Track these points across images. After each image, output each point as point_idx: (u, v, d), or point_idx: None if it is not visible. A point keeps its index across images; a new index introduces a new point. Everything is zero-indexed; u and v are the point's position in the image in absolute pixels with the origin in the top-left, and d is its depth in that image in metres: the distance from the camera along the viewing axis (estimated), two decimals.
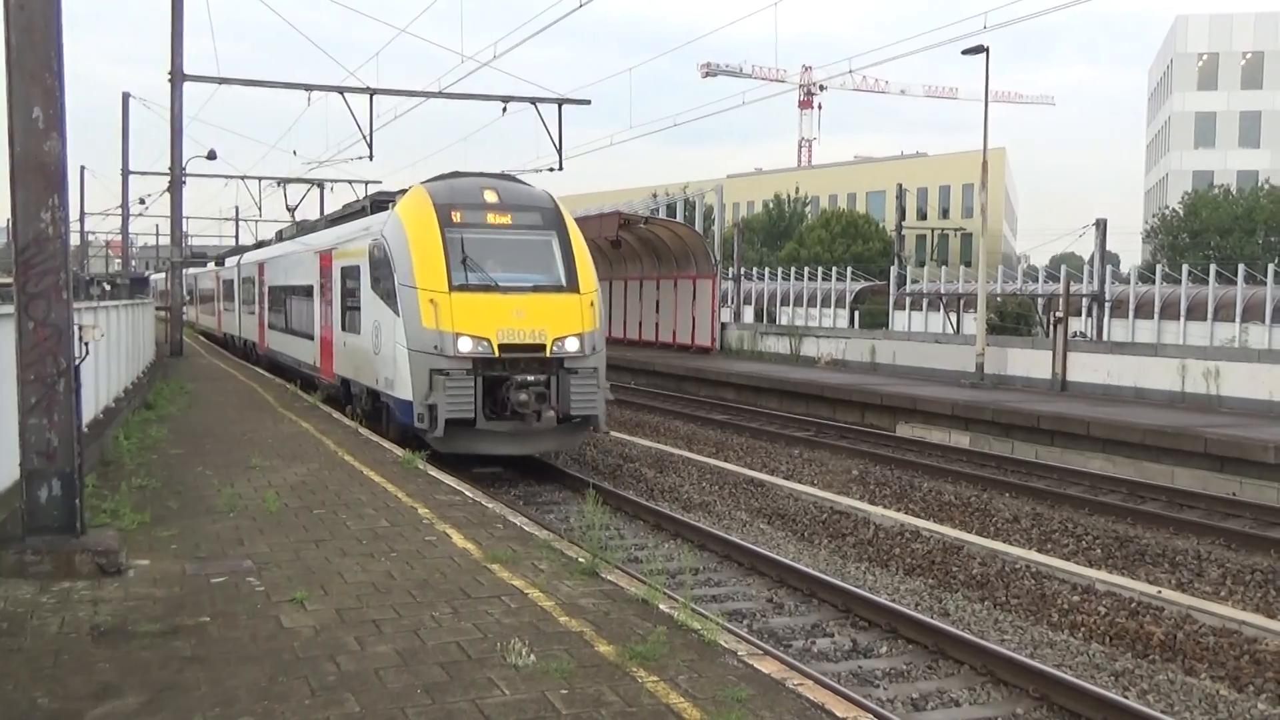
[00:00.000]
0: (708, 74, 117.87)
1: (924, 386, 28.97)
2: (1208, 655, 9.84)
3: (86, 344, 11.12)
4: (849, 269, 64.96)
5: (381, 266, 17.27)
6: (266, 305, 31.89)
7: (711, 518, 15.31)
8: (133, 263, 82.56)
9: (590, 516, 9.51)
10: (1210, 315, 45.12)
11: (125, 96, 45.84)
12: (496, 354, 15.89)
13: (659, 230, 42.09)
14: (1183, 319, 46.30)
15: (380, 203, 19.84)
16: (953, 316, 46.31)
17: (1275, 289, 43.98)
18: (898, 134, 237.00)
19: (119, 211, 54.85)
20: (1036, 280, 55.78)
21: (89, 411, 13.90)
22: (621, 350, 40.48)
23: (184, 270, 57.67)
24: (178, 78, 32.22)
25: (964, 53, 30.53)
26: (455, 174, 18.34)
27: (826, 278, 64.23)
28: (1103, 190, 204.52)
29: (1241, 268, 46.08)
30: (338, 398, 21.63)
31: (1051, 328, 31.14)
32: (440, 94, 32.82)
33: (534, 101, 32.12)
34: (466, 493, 12.66)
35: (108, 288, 52.14)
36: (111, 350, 17.52)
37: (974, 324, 34.23)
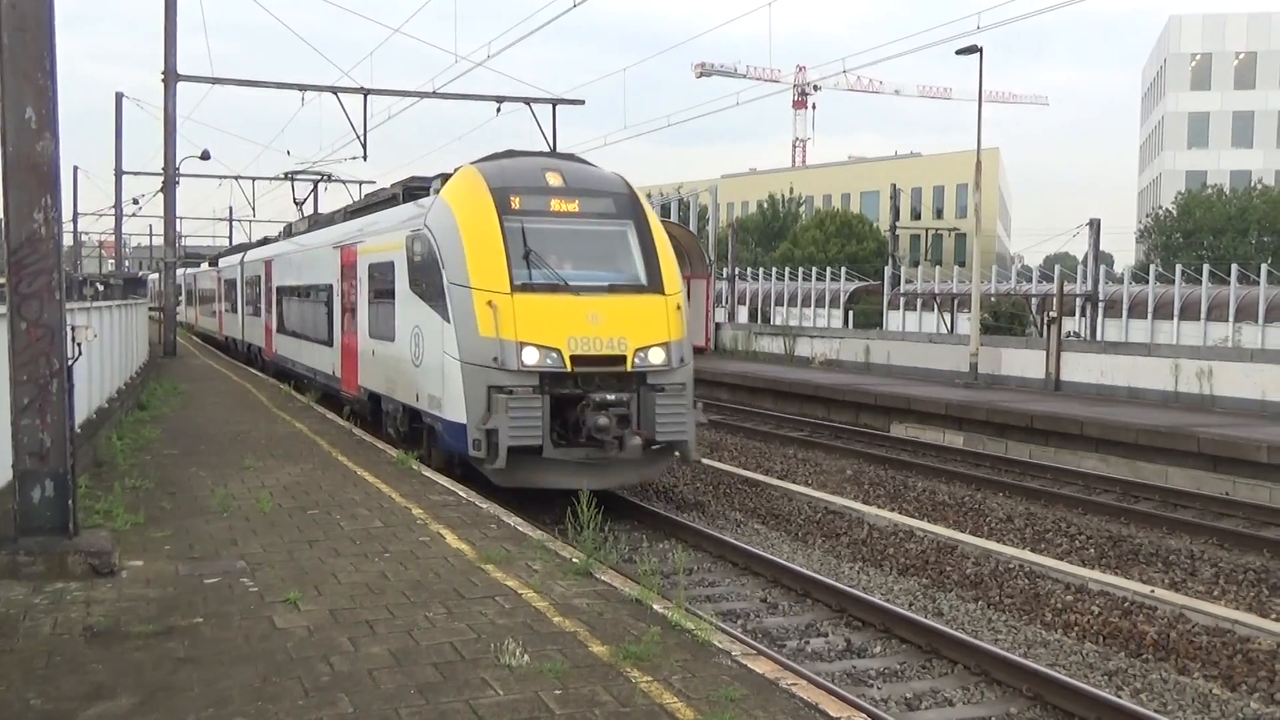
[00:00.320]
0: (702, 74, 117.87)
1: (918, 386, 29.00)
2: (1201, 655, 9.86)
3: (79, 344, 11.09)
4: (843, 269, 64.96)
5: (424, 262, 14.68)
6: (274, 307, 29.24)
7: (706, 518, 15.31)
8: (126, 263, 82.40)
9: (584, 517, 9.50)
10: (1203, 315, 45.18)
11: (119, 96, 45.75)
12: (568, 368, 13.37)
13: None
14: (1176, 319, 46.35)
15: (415, 189, 17.25)
16: (947, 317, 46.36)
17: (1269, 289, 44.06)
18: (892, 134, 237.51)
19: (112, 212, 54.71)
20: (1030, 280, 55.86)
21: (82, 412, 13.87)
22: None
23: (183, 270, 57.64)
24: (171, 78, 32.17)
25: (958, 53, 30.58)
26: (509, 153, 15.83)
27: (821, 278, 64.23)
28: (1096, 190, 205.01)
29: (1235, 268, 46.15)
30: (363, 414, 19.06)
31: (1045, 328, 31.18)
32: (434, 94, 32.82)
33: (528, 102, 32.13)
34: (460, 493, 12.65)
35: (101, 288, 52.16)
36: (105, 351, 17.48)
37: (968, 324, 34.26)
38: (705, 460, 19.59)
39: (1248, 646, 9.83)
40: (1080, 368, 28.30)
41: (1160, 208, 73.02)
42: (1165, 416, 21.96)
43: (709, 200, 52.52)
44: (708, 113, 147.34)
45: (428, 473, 14.00)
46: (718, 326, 43.95)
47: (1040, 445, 22.17)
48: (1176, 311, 46.59)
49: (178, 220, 36.67)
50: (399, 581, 8.72)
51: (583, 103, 33.22)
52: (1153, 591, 11.35)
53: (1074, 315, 43.10)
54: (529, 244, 13.98)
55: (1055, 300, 31.52)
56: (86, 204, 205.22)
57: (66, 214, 63.79)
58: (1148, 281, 49.96)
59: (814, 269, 66.39)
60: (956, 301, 46.19)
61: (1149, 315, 47.62)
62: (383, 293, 17.21)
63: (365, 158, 34.07)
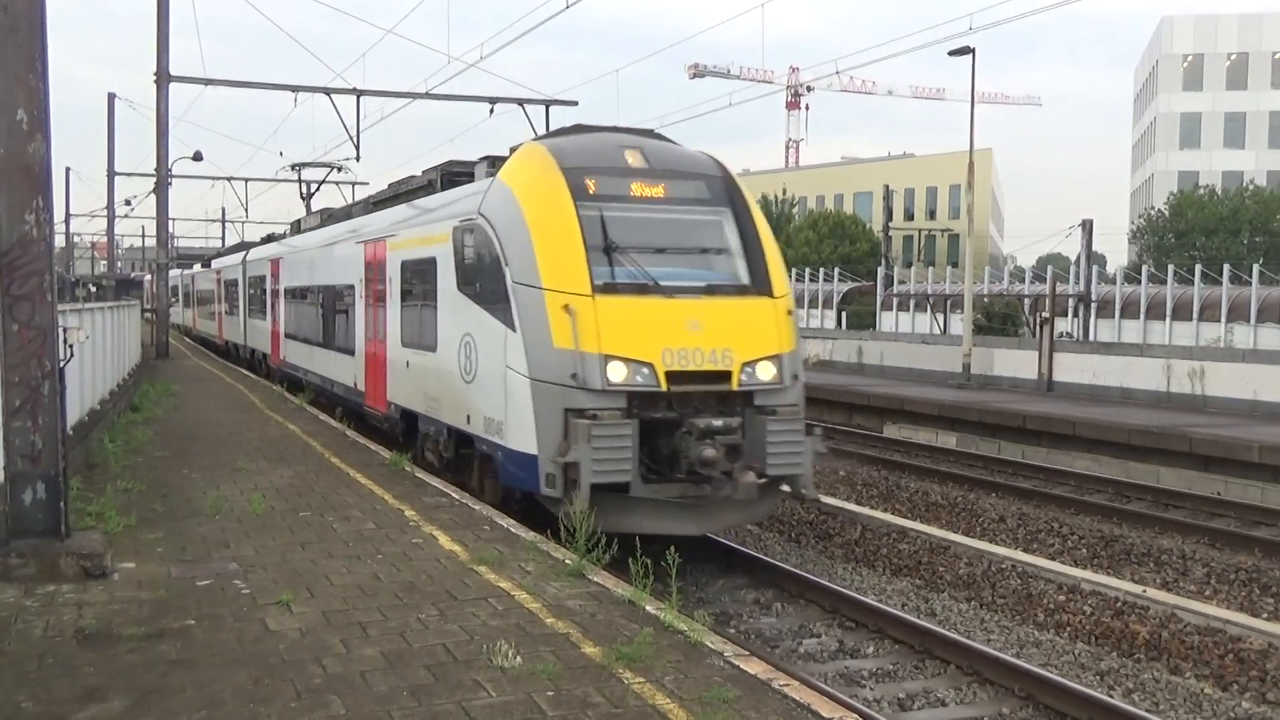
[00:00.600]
0: (695, 75, 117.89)
1: (911, 387, 29.05)
2: (1192, 654, 9.88)
3: (71, 346, 11.09)
4: (836, 270, 65.05)
5: (479, 258, 12.57)
6: (283, 310, 26.77)
7: None
8: (119, 264, 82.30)
9: (576, 519, 9.50)
10: (1195, 315, 45.27)
11: (111, 98, 45.68)
12: (663, 386, 11.19)
13: None
14: (1168, 319, 46.46)
15: (456, 175, 15.27)
16: (939, 317, 46.41)
17: (1260, 289, 44.18)
18: (885, 135, 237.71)
19: (104, 213, 54.63)
20: (1023, 281, 55.93)
21: (74, 414, 13.85)
22: None
23: (179, 270, 57.43)
24: (163, 79, 32.11)
25: (950, 54, 30.66)
26: (578, 128, 13.67)
27: (814, 278, 64.29)
28: (1089, 191, 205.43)
29: (1226, 268, 46.27)
30: (393, 434, 16.82)
31: (1038, 328, 31.25)
32: (427, 95, 32.77)
33: (521, 103, 32.09)
34: (453, 494, 12.64)
35: (93, 289, 52.05)
36: (97, 352, 17.45)
37: (961, 324, 34.31)
38: None
39: (1239, 646, 9.86)
40: (1073, 368, 28.36)
41: (1152, 208, 73.18)
42: (1157, 417, 22.01)
43: None
44: (701, 114, 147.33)
45: (420, 474, 13.98)
46: None
47: (1033, 446, 22.21)
48: (1169, 312, 46.70)
49: (170, 221, 36.62)
50: (391, 583, 8.72)
51: (576, 104, 33.20)
52: (1144, 591, 11.38)
53: (1066, 316, 43.20)
54: (611, 236, 11.78)
55: (1048, 301, 31.59)
56: (79, 205, 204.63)
57: (58, 215, 63.71)
58: (1140, 282, 50.06)
59: (807, 270, 66.45)
60: (949, 302, 46.24)
61: (1141, 316, 47.72)
62: (420, 294, 14.97)
63: (358, 158, 33.99)
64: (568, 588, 8.63)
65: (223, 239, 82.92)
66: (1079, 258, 46.01)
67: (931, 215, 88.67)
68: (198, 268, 53.87)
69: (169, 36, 32.44)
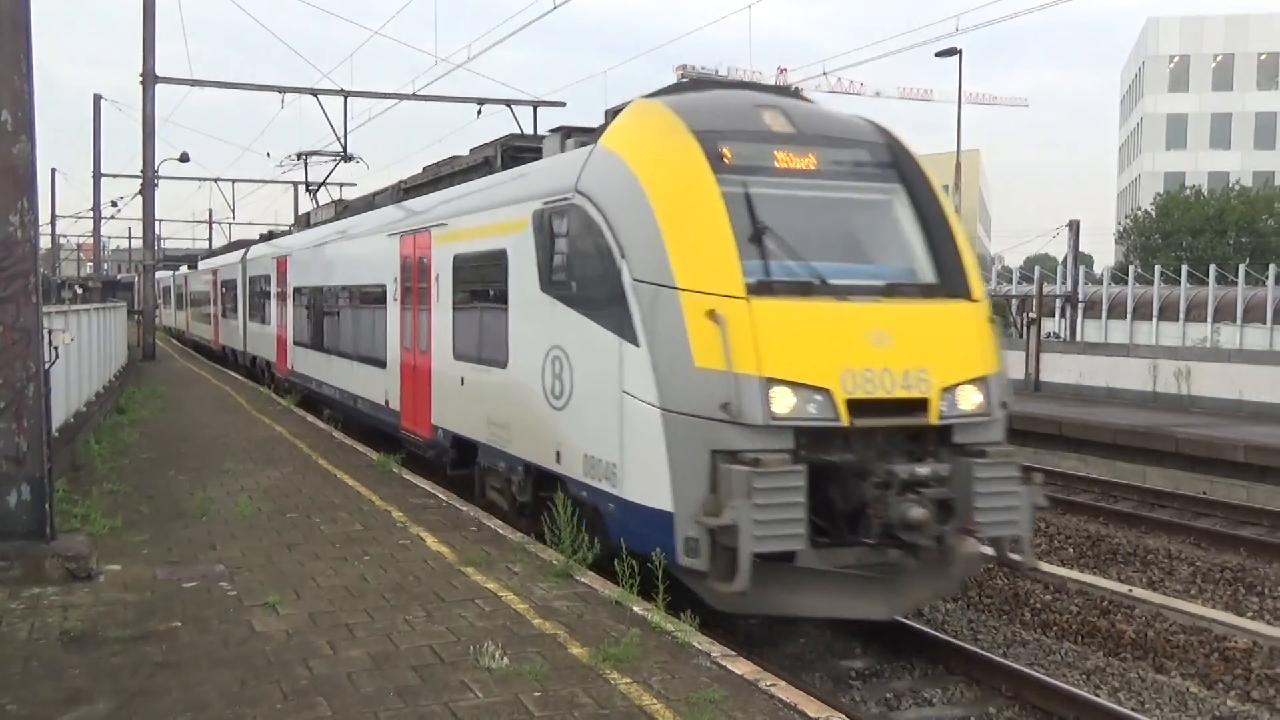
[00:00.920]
0: (683, 76, 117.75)
1: None
2: (1178, 653, 9.92)
3: (56, 348, 11.06)
4: None
5: (576, 249, 9.93)
6: (291, 313, 23.95)
7: None
8: (105, 266, 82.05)
9: (560, 519, 9.49)
10: (1182, 315, 45.51)
11: (97, 98, 45.60)
12: (844, 419, 8.43)
13: None
14: (1155, 319, 46.69)
15: (520, 150, 13.04)
16: None
17: (1246, 289, 44.41)
18: None
19: (90, 214, 54.48)
20: (1010, 281, 56.14)
21: (59, 416, 13.80)
22: None
23: (171, 271, 57.16)
24: (149, 79, 32.04)
25: (937, 55, 30.81)
26: (695, 83, 11.03)
27: None
28: (1076, 192, 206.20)
29: (1213, 268, 46.54)
30: (438, 464, 14.10)
31: (1025, 328, 31.34)
32: (414, 96, 32.76)
33: (509, 104, 32.10)
34: (440, 496, 12.63)
35: (79, 291, 51.92)
36: (83, 354, 17.39)
37: None
38: None
39: (1224, 645, 9.89)
40: (1060, 368, 28.46)
41: (1139, 209, 73.52)
42: (1144, 417, 22.10)
43: None
44: None
45: (408, 475, 13.97)
46: None
47: (1018, 445, 22.25)
48: (1155, 312, 46.94)
49: (157, 223, 36.50)
50: (378, 584, 8.71)
51: (564, 105, 33.23)
52: (1130, 591, 11.41)
53: (1054, 316, 43.35)
54: (761, 219, 9.07)
55: (1035, 301, 31.68)
56: (64, 206, 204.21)
57: (44, 217, 63.46)
58: (1127, 282, 50.30)
59: None
60: None
61: (1128, 316, 47.97)
62: (482, 296, 12.32)
63: (346, 159, 33.93)
64: (555, 588, 8.63)
65: (209, 240, 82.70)
66: (1066, 258, 46.16)
67: None
68: (185, 269, 53.53)
69: (155, 37, 32.36)
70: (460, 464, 13.22)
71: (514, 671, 6.65)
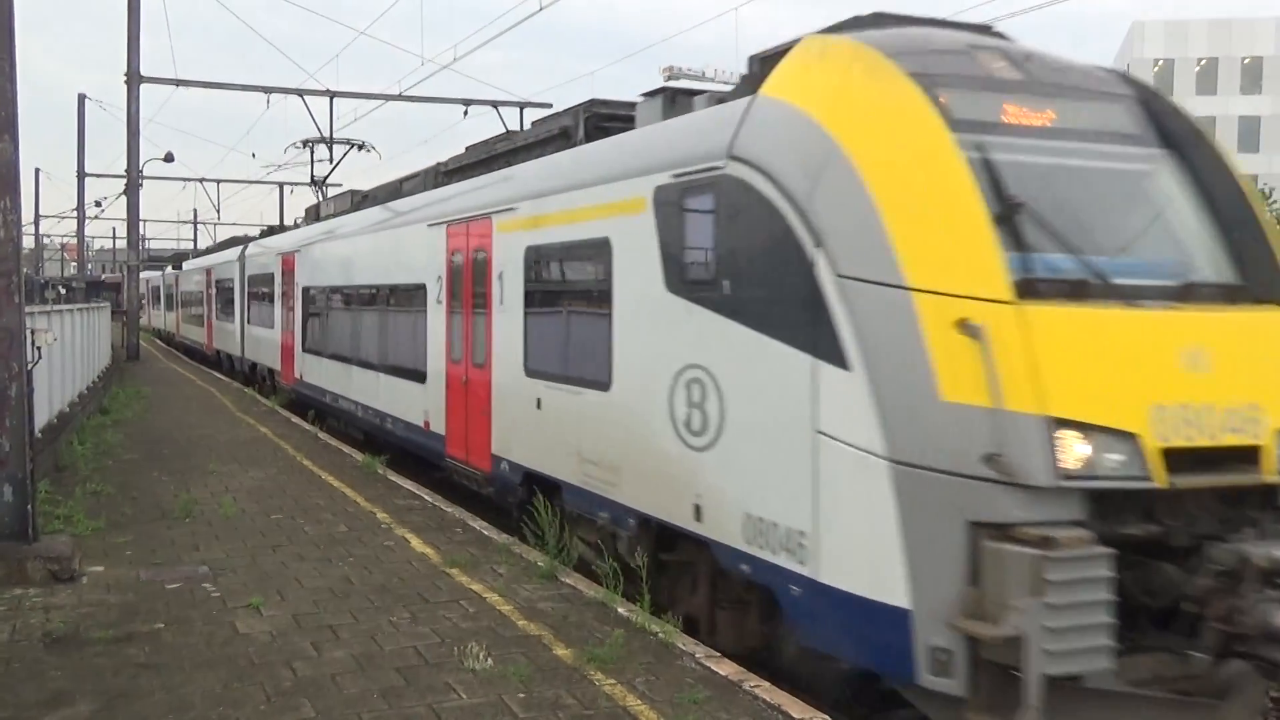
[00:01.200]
0: (670, 78, 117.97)
1: None
2: None
3: (39, 348, 11.02)
4: None
5: (732, 234, 7.45)
6: (300, 316, 21.45)
7: None
8: (89, 266, 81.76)
9: (542, 521, 9.50)
10: None
11: (81, 98, 45.45)
12: (1159, 479, 6.00)
13: None
14: None
15: (608, 118, 10.77)
16: None
17: None
18: None
19: (74, 214, 54.28)
20: None
21: (42, 416, 13.73)
22: None
23: (160, 271, 56.81)
24: (134, 79, 31.95)
25: None
26: (877, 16, 8.01)
27: None
28: None
29: None
30: (500, 504, 11.76)
31: None
32: (400, 96, 32.73)
33: (495, 105, 32.13)
34: (426, 497, 12.62)
35: (63, 291, 51.71)
36: (66, 355, 17.32)
37: None
38: None
39: None
40: None
41: None
42: None
43: None
44: None
45: (393, 476, 13.95)
46: None
47: None
48: None
49: (141, 223, 36.38)
50: (363, 586, 8.69)
51: (550, 106, 33.21)
52: None
53: None
54: (1012, 193, 6.61)
55: None
56: (48, 206, 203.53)
57: (27, 216, 63.22)
58: None
59: None
60: None
61: None
62: (572, 296, 9.95)
63: (331, 159, 33.87)
64: (540, 589, 8.63)
65: (194, 240, 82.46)
66: None
67: None
68: (171, 268, 53.13)
69: (140, 36, 32.27)
70: (522, 507, 10.56)
71: (498, 673, 6.65)
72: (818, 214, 6.68)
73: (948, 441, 5.98)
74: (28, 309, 9.45)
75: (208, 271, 35.98)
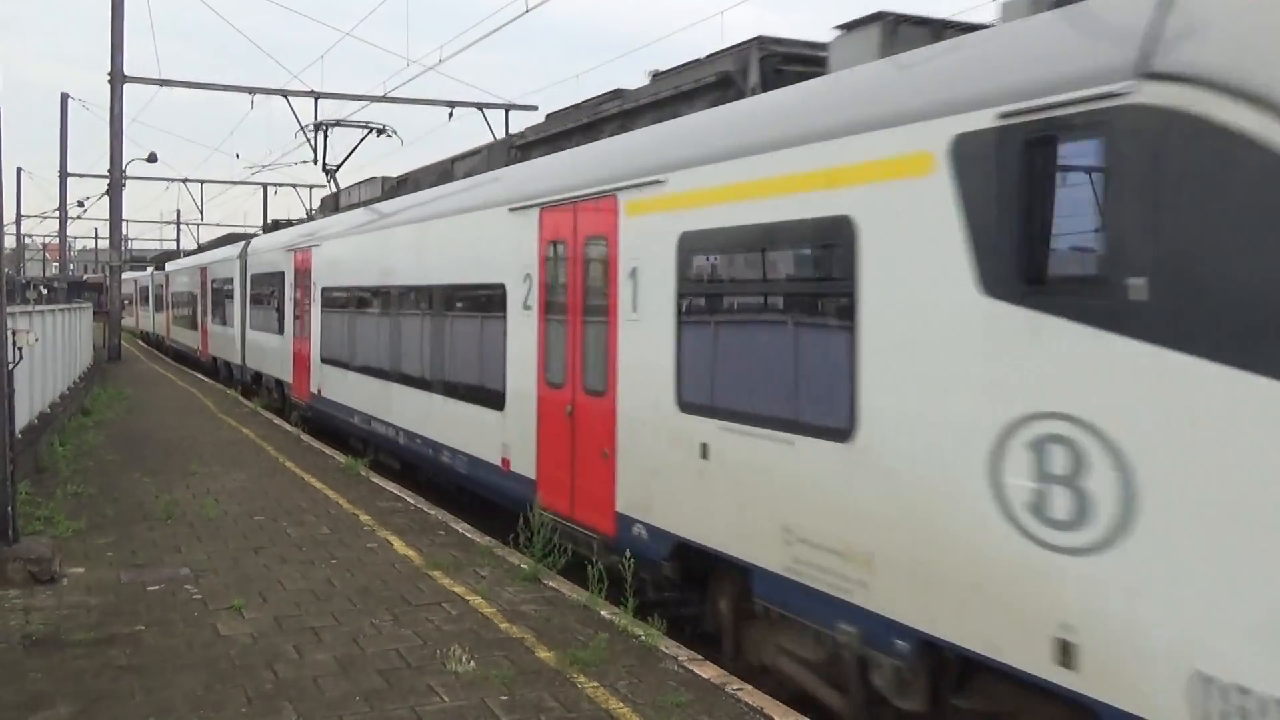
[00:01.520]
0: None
1: None
2: None
3: (20, 349, 10.95)
4: None
5: (1200, 199, 4.44)
6: (319, 321, 18.62)
7: None
8: (71, 266, 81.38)
9: (534, 523, 9.49)
10: None
11: (64, 97, 45.25)
12: None
13: None
14: None
15: (788, 58, 8.40)
16: None
17: None
18: None
19: (56, 214, 54.01)
20: None
21: (23, 417, 13.66)
22: None
23: (149, 271, 56.42)
24: (118, 79, 31.82)
25: None
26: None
27: None
28: None
29: None
30: (611, 571, 8.55)
31: None
32: (385, 98, 32.65)
33: (481, 107, 32.08)
34: (408, 499, 12.60)
35: (44, 291, 51.44)
36: (47, 355, 17.24)
37: None
38: None
39: None
40: None
41: None
42: None
43: None
44: None
45: (376, 479, 13.92)
46: None
47: None
48: None
49: (124, 223, 36.22)
50: (345, 588, 8.67)
51: (536, 109, 33.25)
52: None
53: None
54: None
55: None
56: (30, 206, 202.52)
57: (8, 216, 62.87)
58: None
59: None
60: None
61: None
62: (759, 301, 7.31)
63: (316, 161, 33.76)
64: (523, 592, 8.63)
65: (177, 241, 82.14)
66: None
67: None
68: (153, 269, 52.73)
69: (124, 36, 32.15)
70: (686, 588, 8.22)
71: (481, 675, 6.64)
72: None
73: None
74: (9, 309, 9.39)
75: (202, 271, 33.25)
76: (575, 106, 11.33)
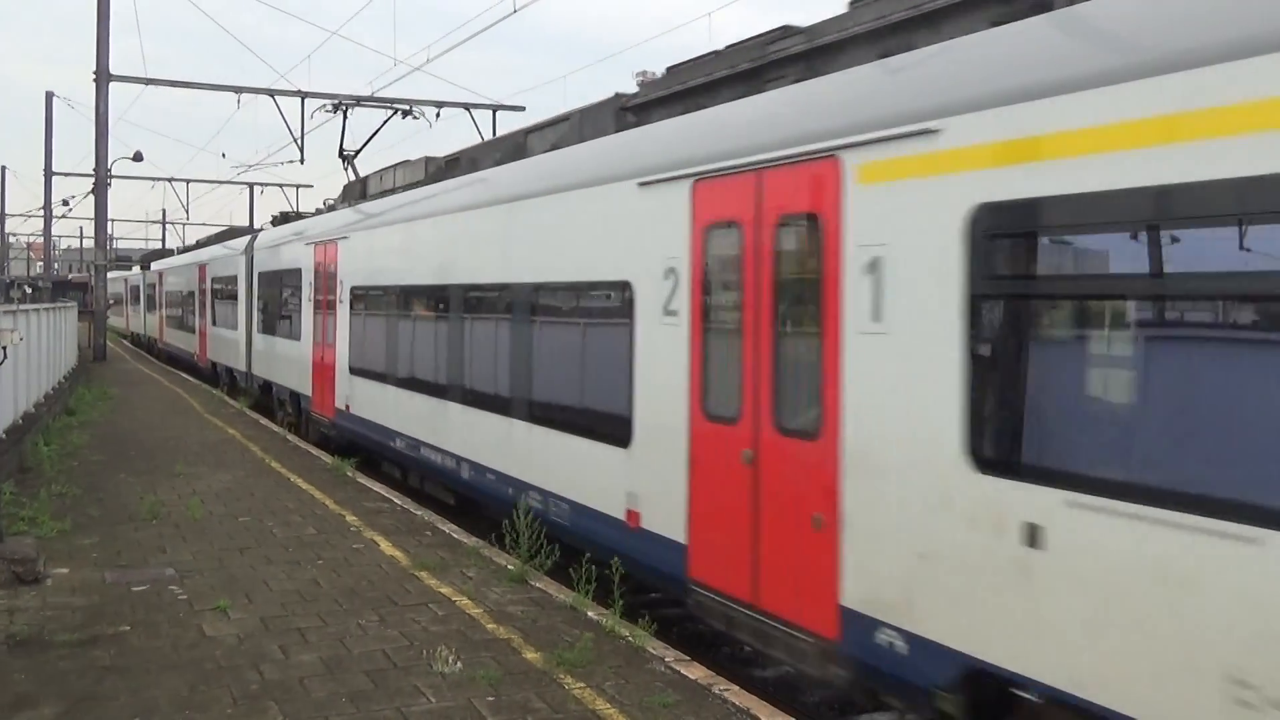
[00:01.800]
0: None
1: None
2: None
3: (4, 348, 10.91)
4: None
5: None
6: (349, 327, 15.78)
7: None
8: (55, 265, 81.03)
9: (519, 525, 9.48)
10: None
11: (49, 96, 45.05)
12: None
13: None
14: None
15: None
16: None
17: None
18: None
19: (41, 213, 53.77)
20: None
21: (7, 417, 13.61)
22: None
23: (138, 270, 56.01)
24: (103, 78, 31.69)
25: None
26: None
27: None
28: None
29: None
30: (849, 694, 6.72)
31: None
32: (373, 98, 32.58)
33: (468, 107, 32.03)
34: (395, 500, 12.57)
35: (29, 291, 51.21)
36: (31, 355, 17.16)
37: None
38: None
39: None
40: None
41: None
42: None
43: None
44: None
45: (362, 479, 13.89)
46: None
47: None
48: None
49: (109, 222, 36.08)
50: (331, 589, 8.65)
51: (523, 109, 33.21)
52: None
53: None
54: None
55: None
56: (14, 205, 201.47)
57: None
58: None
59: None
60: None
61: None
62: (1169, 314, 4.70)
63: (303, 161, 33.70)
64: (510, 593, 8.62)
65: (163, 240, 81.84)
66: None
67: None
68: (136, 269, 52.37)
69: (109, 35, 32.03)
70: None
71: (467, 676, 6.63)
72: None
73: None
74: None
75: (201, 268, 30.46)
76: (715, 54, 9.02)
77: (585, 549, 8.94)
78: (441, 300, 12.30)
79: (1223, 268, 4.39)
